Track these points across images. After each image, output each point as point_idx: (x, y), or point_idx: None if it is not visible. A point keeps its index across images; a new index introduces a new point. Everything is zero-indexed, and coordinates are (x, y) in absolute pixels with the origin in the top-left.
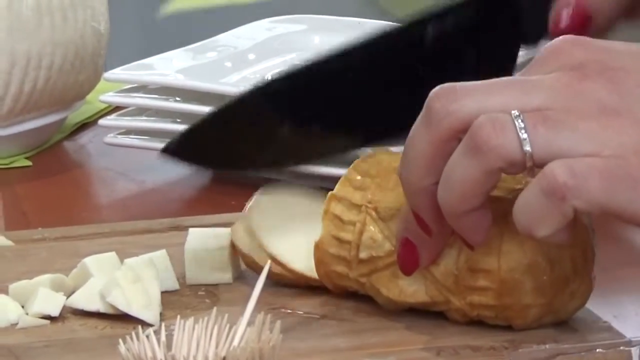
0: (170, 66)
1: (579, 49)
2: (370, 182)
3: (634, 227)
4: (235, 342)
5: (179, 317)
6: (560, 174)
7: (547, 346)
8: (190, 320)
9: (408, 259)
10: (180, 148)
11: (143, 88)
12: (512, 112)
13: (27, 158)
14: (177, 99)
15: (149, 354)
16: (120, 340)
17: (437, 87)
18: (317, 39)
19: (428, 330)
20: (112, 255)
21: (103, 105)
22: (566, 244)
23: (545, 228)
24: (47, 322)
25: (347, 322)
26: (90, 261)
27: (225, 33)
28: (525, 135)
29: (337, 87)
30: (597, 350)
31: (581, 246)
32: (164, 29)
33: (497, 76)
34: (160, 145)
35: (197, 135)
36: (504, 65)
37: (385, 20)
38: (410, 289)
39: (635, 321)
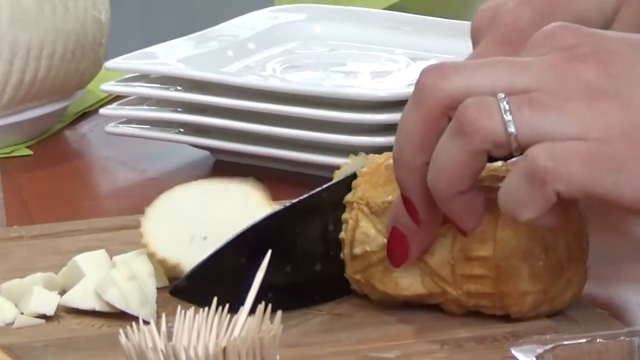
0: (172, 55)
1: (570, 34)
2: (361, 179)
3: (631, 217)
4: (236, 332)
5: (179, 307)
6: (540, 158)
7: (548, 337)
8: (191, 311)
9: (397, 250)
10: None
11: (144, 77)
12: (498, 94)
13: (28, 147)
14: (179, 88)
15: (150, 344)
16: (121, 331)
17: (427, 65)
18: (318, 28)
19: (426, 323)
20: (102, 252)
21: (104, 94)
22: (556, 228)
23: (528, 212)
24: (42, 321)
25: (344, 317)
26: (80, 259)
27: (227, 22)
28: (509, 117)
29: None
30: (598, 340)
31: (575, 233)
32: (165, 18)
33: None
34: (162, 134)
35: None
36: None
37: (390, 10)
38: (406, 282)
39: (637, 311)
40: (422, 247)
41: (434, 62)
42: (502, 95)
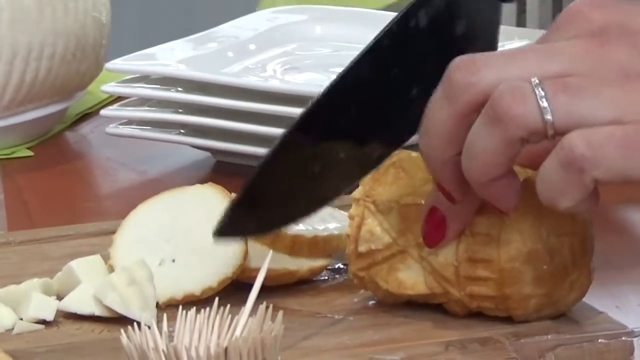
0: (172, 56)
1: (598, 12)
2: (368, 176)
3: (634, 217)
4: (237, 333)
5: (180, 307)
6: (577, 146)
7: (550, 337)
8: (192, 311)
9: (435, 230)
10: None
11: (145, 78)
12: (532, 80)
13: (28, 148)
14: (179, 89)
15: (151, 345)
16: (122, 331)
17: (457, 59)
18: (318, 29)
19: (429, 324)
20: (97, 257)
21: (105, 96)
22: (561, 231)
23: (568, 200)
24: (42, 327)
25: (344, 319)
26: (76, 264)
27: (227, 23)
28: (545, 104)
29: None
30: (599, 340)
31: (579, 236)
32: (165, 19)
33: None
34: (162, 135)
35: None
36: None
37: (388, 10)
38: (409, 281)
39: (638, 312)
40: (459, 228)
41: None
42: (537, 81)
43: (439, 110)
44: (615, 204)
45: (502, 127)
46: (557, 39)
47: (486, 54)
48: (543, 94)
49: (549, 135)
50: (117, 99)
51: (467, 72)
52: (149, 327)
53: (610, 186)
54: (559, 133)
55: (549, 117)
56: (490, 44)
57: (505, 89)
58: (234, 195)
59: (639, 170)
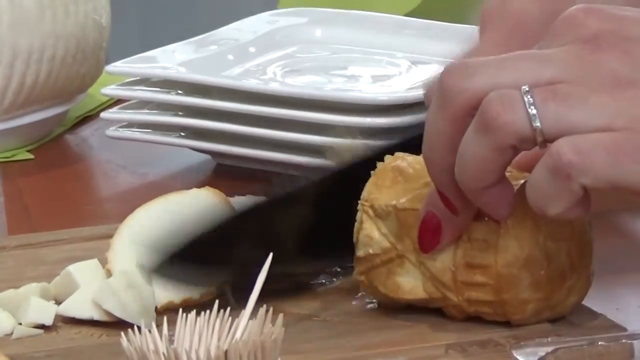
0: (172, 59)
1: (593, 19)
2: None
3: (634, 220)
4: (238, 335)
5: (180, 310)
6: (565, 152)
7: (550, 339)
8: (192, 314)
9: (430, 235)
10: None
11: (145, 81)
12: (522, 87)
13: (29, 151)
14: (179, 91)
15: (152, 347)
16: (123, 334)
17: (449, 64)
18: (318, 32)
19: (428, 327)
20: (94, 262)
21: (105, 98)
22: (559, 236)
23: (556, 207)
24: (41, 331)
25: (343, 322)
26: (74, 269)
27: (227, 26)
28: (534, 111)
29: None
30: (599, 343)
31: (577, 240)
32: (165, 21)
33: None
34: (162, 138)
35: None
36: None
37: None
38: (408, 286)
39: (638, 314)
40: (454, 234)
41: (434, 66)
42: (526, 88)
43: (435, 116)
44: (615, 208)
45: (491, 135)
46: (551, 45)
47: (479, 59)
48: (532, 101)
49: (538, 143)
50: (117, 101)
51: (459, 77)
52: (149, 331)
53: (606, 191)
54: (549, 140)
55: (537, 124)
56: None
57: (494, 96)
58: (233, 198)
59: (626, 177)
